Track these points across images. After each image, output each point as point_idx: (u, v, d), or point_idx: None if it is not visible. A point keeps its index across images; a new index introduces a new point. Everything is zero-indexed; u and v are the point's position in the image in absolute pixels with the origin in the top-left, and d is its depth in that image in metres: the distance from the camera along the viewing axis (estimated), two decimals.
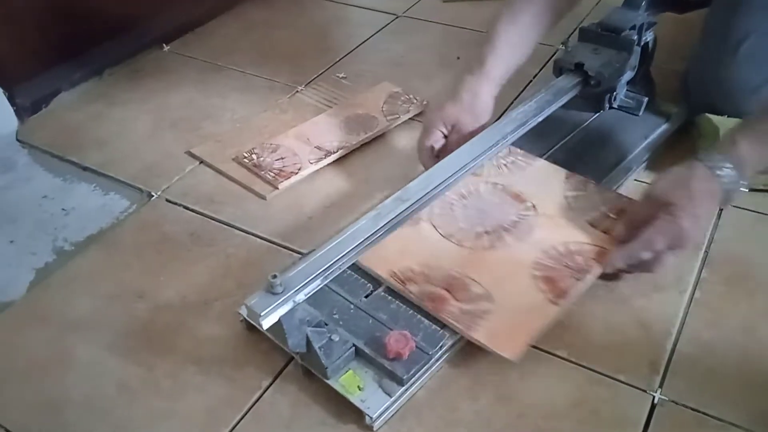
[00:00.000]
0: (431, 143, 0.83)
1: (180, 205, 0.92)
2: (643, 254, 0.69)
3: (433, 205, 0.79)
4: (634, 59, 0.92)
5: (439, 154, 0.84)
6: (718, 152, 0.70)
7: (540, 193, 0.81)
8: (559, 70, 0.92)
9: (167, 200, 0.93)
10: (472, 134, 0.82)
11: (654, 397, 0.65)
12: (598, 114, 0.97)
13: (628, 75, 0.94)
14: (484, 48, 0.83)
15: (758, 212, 0.84)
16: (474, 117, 0.82)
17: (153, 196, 0.93)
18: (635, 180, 0.89)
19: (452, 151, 0.80)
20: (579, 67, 0.90)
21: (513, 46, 0.83)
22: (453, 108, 0.82)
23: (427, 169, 0.79)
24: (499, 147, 0.81)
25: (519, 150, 0.87)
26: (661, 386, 0.66)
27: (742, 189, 0.70)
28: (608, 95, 0.95)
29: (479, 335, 0.67)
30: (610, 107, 0.97)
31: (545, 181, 0.83)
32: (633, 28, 0.91)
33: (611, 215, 0.78)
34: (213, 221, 0.89)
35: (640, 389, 0.66)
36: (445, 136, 0.84)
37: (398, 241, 0.74)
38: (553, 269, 0.73)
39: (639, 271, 0.72)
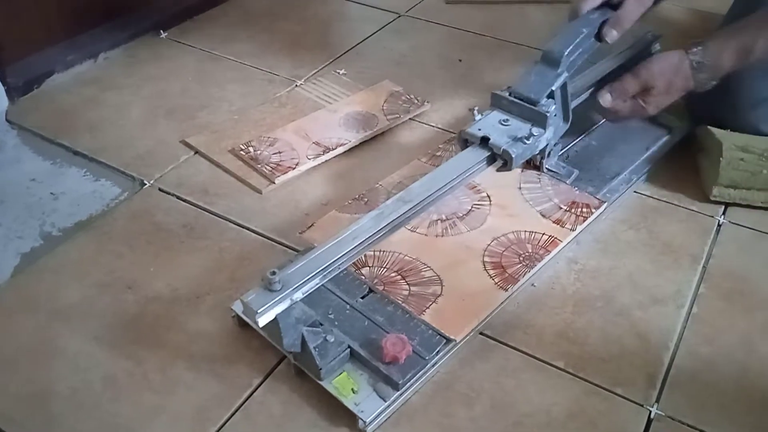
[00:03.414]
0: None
1: (173, 195, 0.90)
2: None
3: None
4: (552, 133, 0.80)
5: None
6: (705, 54, 0.79)
7: (495, 185, 0.84)
8: (464, 142, 0.79)
9: (160, 189, 0.90)
10: None
11: (651, 411, 0.64)
12: (600, 123, 0.96)
13: (554, 147, 0.84)
14: None
15: (756, 230, 0.84)
16: None
17: (146, 184, 0.91)
18: (635, 192, 0.89)
19: None
20: (485, 141, 0.77)
21: None
22: None
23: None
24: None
25: None
26: (658, 401, 0.65)
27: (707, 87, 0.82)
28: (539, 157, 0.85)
29: (426, 317, 0.69)
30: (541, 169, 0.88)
31: (501, 174, 0.83)
32: (550, 96, 0.78)
33: (562, 207, 0.82)
34: (207, 213, 0.87)
35: (637, 403, 0.65)
36: None
37: None
38: (504, 256, 0.75)
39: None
